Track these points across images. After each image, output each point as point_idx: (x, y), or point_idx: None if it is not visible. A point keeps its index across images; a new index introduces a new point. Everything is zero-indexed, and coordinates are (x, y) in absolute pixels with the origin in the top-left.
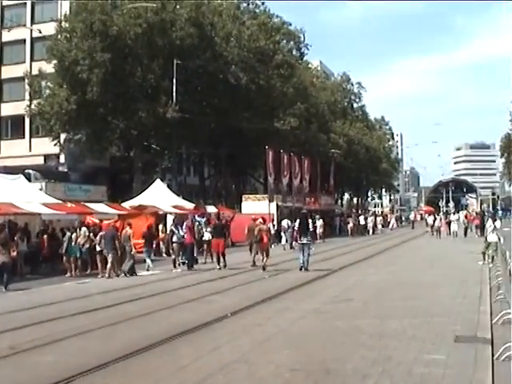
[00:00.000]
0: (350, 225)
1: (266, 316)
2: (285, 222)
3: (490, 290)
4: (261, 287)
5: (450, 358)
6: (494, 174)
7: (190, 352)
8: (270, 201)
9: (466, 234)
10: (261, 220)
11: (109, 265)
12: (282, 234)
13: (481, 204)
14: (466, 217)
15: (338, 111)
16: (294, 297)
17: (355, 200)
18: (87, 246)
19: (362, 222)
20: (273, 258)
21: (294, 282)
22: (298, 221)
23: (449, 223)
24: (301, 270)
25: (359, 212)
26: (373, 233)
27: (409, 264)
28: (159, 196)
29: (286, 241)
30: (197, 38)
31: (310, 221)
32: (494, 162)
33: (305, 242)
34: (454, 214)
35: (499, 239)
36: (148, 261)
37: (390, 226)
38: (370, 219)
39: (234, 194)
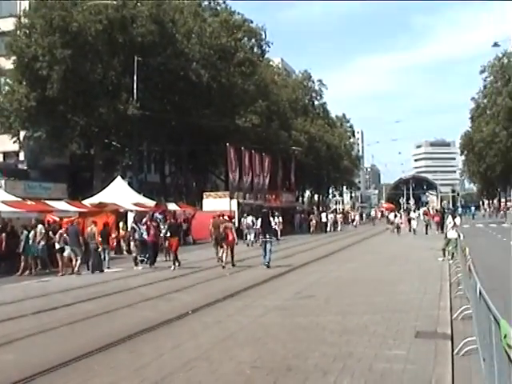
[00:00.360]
0: (313, 222)
1: (227, 313)
2: (249, 219)
3: (449, 286)
4: (222, 285)
5: (411, 353)
6: (454, 172)
7: (151, 350)
8: (231, 198)
9: (426, 231)
10: (226, 217)
11: (78, 261)
12: (246, 230)
13: (441, 201)
14: (425, 214)
15: (299, 108)
16: (256, 294)
17: (316, 197)
18: (43, 243)
19: (324, 219)
20: (236, 255)
21: (256, 279)
22: (260, 218)
23: (409, 220)
24: (267, 267)
25: (320, 209)
26: (334, 230)
27: (370, 261)
28: (120, 193)
29: (250, 238)
30: (158, 35)
31: (271, 218)
32: (454, 159)
33: (267, 238)
34: (414, 211)
35: (459, 236)
36: (106, 258)
37: (355, 223)
38: (330, 216)
39: (194, 192)
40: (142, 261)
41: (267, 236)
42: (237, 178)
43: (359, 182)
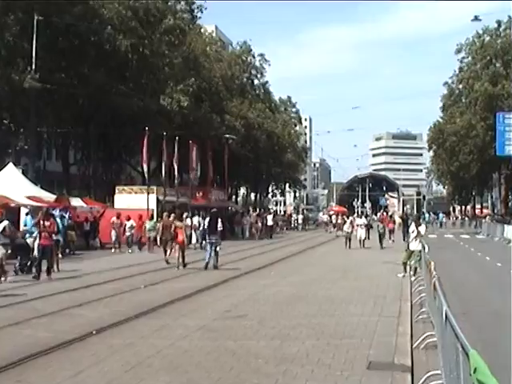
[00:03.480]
0: (258, 225)
1: (139, 334)
2: (196, 220)
3: (411, 308)
4: (136, 299)
5: None
6: (420, 171)
7: (42, 379)
8: (149, 194)
9: (381, 243)
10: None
11: None
12: (193, 232)
13: (403, 205)
14: (381, 221)
15: (235, 88)
16: (176, 311)
17: (253, 196)
18: None
19: (270, 222)
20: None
21: (177, 293)
22: (207, 219)
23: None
24: (206, 268)
25: (258, 210)
26: (270, 237)
27: (315, 274)
28: (11, 184)
29: (197, 240)
30: None
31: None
32: (420, 155)
33: (213, 240)
34: (360, 216)
35: (423, 248)
36: None
37: (299, 228)
38: (269, 218)
39: (105, 185)
40: (21, 269)
41: (213, 238)
42: (156, 169)
43: (305, 179)
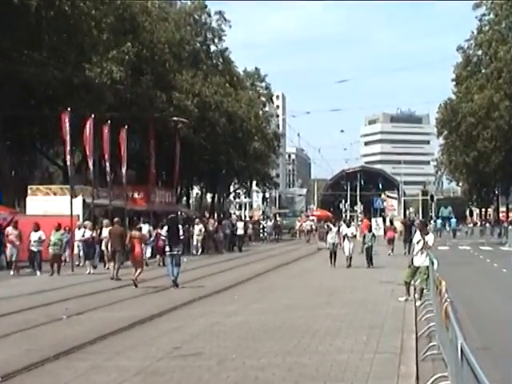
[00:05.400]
0: (219, 235)
1: (61, 381)
2: (145, 229)
3: (416, 342)
4: (55, 334)
5: None
6: (427, 163)
7: None
8: (72, 196)
9: (369, 261)
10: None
11: None
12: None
13: (405, 208)
14: (366, 227)
15: (185, 57)
16: (110, 349)
17: (209, 197)
18: None
19: (241, 231)
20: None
21: (110, 325)
22: (166, 227)
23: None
24: (176, 285)
25: (216, 216)
26: (231, 249)
27: (291, 299)
28: None
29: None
30: None
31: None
32: (427, 143)
33: (175, 251)
34: (348, 225)
35: (432, 263)
36: None
37: (270, 238)
38: (240, 226)
39: (14, 184)
40: None
41: (176, 249)
42: (83, 163)
43: (278, 175)
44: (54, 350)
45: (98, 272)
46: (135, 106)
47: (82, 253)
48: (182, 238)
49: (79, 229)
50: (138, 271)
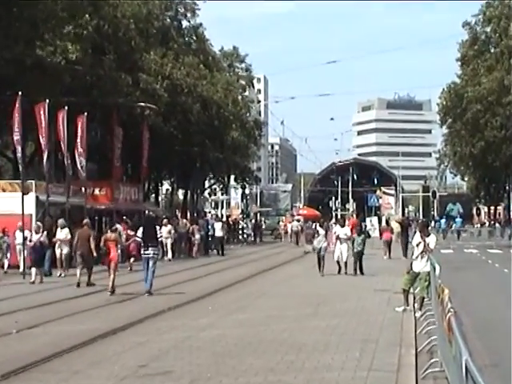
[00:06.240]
0: (197, 237)
1: None
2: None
3: (415, 358)
4: (4, 351)
5: None
6: (429, 155)
7: None
8: (23, 192)
9: (357, 267)
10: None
11: None
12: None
13: (403, 205)
14: (356, 227)
15: (153, 34)
16: (67, 368)
17: (181, 194)
18: None
19: (219, 232)
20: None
21: (68, 340)
22: (142, 227)
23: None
24: (150, 293)
25: (189, 215)
26: (221, 253)
27: (274, 309)
28: None
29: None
30: None
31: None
32: (428, 132)
33: (152, 253)
34: (341, 224)
35: (433, 269)
36: None
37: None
38: (218, 227)
39: None
40: None
41: (152, 250)
42: (36, 155)
43: (259, 169)
44: (0, 370)
45: (50, 280)
46: (96, 89)
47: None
48: (159, 239)
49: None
50: (112, 277)
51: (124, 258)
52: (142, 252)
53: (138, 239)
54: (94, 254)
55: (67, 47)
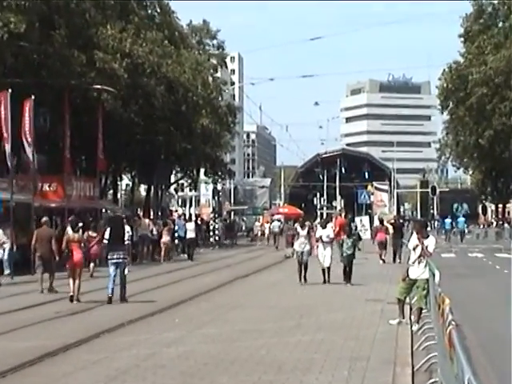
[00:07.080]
0: (166, 239)
1: None
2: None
3: (412, 377)
4: None
5: None
6: (428, 145)
7: None
8: None
9: (349, 273)
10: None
11: None
12: None
13: (398, 203)
14: (337, 228)
15: (111, 6)
16: None
17: (143, 190)
18: None
19: (191, 234)
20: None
21: (12, 359)
22: (108, 229)
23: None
24: (110, 302)
25: (153, 214)
26: (190, 257)
27: (250, 322)
28: None
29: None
30: None
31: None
32: (427, 119)
33: (120, 258)
34: (323, 226)
35: (433, 276)
36: None
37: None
38: (190, 228)
39: None
40: None
41: (119, 255)
42: None
43: (233, 161)
44: None
45: None
46: (45, 69)
47: None
48: (127, 241)
49: None
50: (77, 282)
51: (86, 262)
52: (109, 257)
53: (105, 241)
54: (57, 257)
55: (9, 19)
